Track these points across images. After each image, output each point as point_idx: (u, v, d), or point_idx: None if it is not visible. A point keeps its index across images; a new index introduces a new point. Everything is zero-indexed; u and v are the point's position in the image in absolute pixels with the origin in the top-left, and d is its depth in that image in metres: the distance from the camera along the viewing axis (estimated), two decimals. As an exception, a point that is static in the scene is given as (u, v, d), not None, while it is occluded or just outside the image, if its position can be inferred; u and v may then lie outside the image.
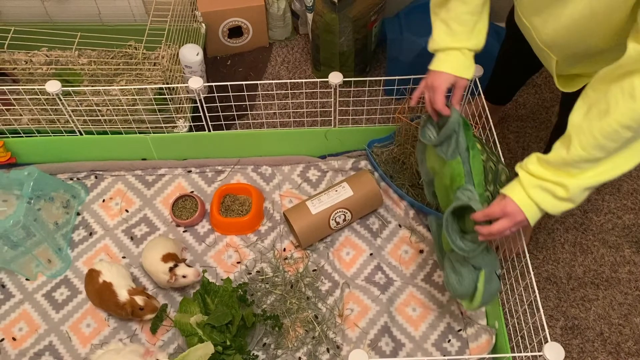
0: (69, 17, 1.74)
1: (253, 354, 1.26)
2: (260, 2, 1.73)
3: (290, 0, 1.81)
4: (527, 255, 1.11)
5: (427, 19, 1.40)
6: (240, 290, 1.29)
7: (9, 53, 1.76)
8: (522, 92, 1.79)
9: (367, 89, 1.42)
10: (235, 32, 1.80)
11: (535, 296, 1.06)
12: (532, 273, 1.08)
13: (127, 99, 1.52)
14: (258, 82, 1.38)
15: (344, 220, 1.41)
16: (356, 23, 1.60)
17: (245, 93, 1.35)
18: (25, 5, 1.70)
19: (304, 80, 1.36)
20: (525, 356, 1.05)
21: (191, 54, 1.46)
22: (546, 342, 1.00)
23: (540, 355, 1.00)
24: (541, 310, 1.04)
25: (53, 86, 1.32)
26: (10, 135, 1.49)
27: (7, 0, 1.70)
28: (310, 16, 1.67)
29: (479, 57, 1.45)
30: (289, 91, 1.42)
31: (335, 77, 1.35)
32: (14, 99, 1.50)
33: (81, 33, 1.49)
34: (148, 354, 1.16)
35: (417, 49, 1.62)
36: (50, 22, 1.75)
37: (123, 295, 1.24)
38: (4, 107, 1.42)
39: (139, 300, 1.24)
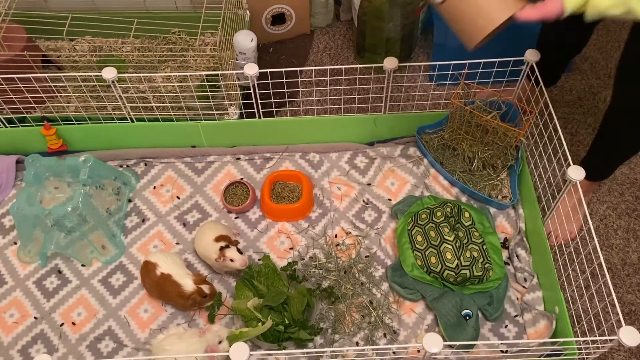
0: (114, 5, 1.74)
1: (317, 327, 1.25)
2: (304, -12, 1.72)
3: (334, -15, 1.80)
4: (595, 238, 1.10)
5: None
6: (289, 269, 1.30)
7: (54, 40, 1.77)
8: (568, 77, 1.77)
9: (421, 74, 1.41)
10: (278, 19, 1.80)
11: (606, 280, 1.05)
12: (601, 257, 1.07)
13: (180, 86, 1.52)
14: (311, 68, 1.37)
15: None
16: (405, 9, 1.59)
17: (299, 79, 1.34)
18: (70, -8, 1.70)
19: (358, 66, 1.35)
20: (596, 340, 1.04)
21: (245, 40, 1.46)
22: (620, 326, 0.99)
23: (612, 340, 0.99)
24: (613, 294, 1.03)
25: (109, 73, 1.33)
26: (62, 123, 1.50)
27: (53, -12, 1.70)
28: (357, 2, 1.65)
29: (528, 41, 1.44)
30: (339, 77, 1.41)
31: (391, 63, 1.34)
32: (64, 86, 1.50)
33: (125, 19, 1.49)
34: (203, 333, 1.17)
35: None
36: (95, 10, 1.74)
37: (189, 285, 1.24)
38: (55, 94, 1.43)
39: (205, 288, 1.24)
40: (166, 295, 1.29)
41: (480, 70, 1.37)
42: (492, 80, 1.42)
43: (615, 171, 1.48)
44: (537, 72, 1.34)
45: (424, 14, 1.70)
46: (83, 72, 1.37)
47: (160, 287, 1.27)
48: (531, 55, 1.34)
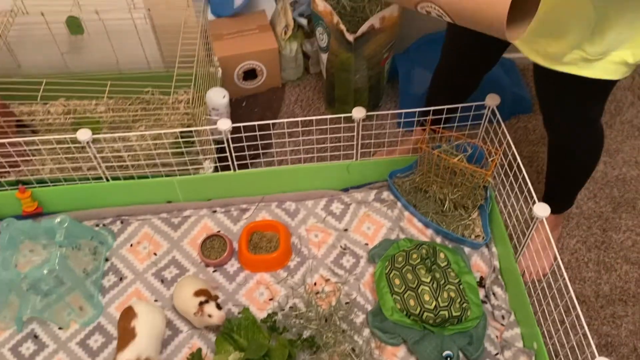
0: (87, 68, 1.78)
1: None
2: (274, 45, 1.79)
3: (302, 42, 1.88)
4: (565, 274, 1.13)
5: (434, 53, 1.47)
6: (269, 320, 1.30)
7: (27, 105, 1.79)
8: (530, 118, 1.85)
9: (388, 122, 1.47)
10: (250, 74, 1.86)
11: (577, 313, 1.08)
12: (572, 291, 1.10)
13: (155, 143, 1.55)
14: (283, 120, 1.42)
15: None
16: (370, 61, 1.66)
17: (272, 131, 1.38)
18: (45, 58, 1.74)
19: (328, 117, 1.40)
20: (573, 374, 1.06)
21: (218, 97, 1.50)
22: (594, 357, 1.01)
23: (589, 372, 1.01)
24: (585, 327, 1.05)
25: (84, 135, 1.35)
26: (37, 185, 1.50)
27: (28, 54, 1.74)
28: (324, 56, 1.72)
29: (490, 87, 1.51)
30: (311, 128, 1.46)
31: (359, 112, 1.40)
32: (38, 149, 1.52)
33: (99, 82, 1.52)
34: None
35: (427, 82, 1.68)
36: (69, 73, 1.78)
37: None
38: (29, 158, 1.44)
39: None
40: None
41: (444, 116, 1.43)
42: (456, 124, 1.48)
43: (575, 201, 1.54)
44: (498, 115, 1.40)
45: (389, 64, 1.78)
46: (58, 135, 1.39)
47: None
48: (491, 100, 1.41)
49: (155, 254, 1.50)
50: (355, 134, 1.45)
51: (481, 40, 1.17)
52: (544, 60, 1.05)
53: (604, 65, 1.00)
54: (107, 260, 1.49)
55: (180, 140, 1.43)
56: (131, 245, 1.52)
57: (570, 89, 1.09)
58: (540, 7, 0.96)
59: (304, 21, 1.88)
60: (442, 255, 1.37)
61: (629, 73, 1.04)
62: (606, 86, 1.06)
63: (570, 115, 1.20)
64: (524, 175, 1.28)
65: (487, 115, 1.45)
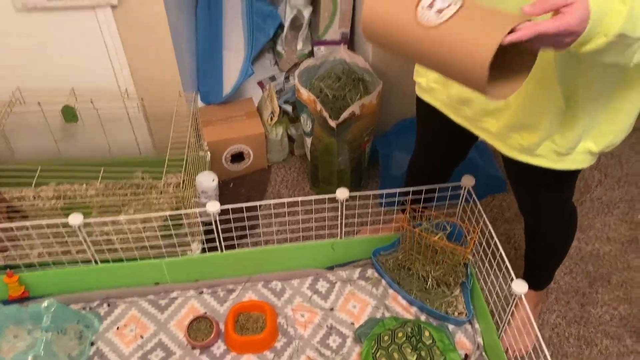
0: (79, 154, 1.84)
1: None
2: (260, 130, 1.88)
3: (287, 127, 1.98)
4: (546, 351, 1.16)
5: (411, 137, 1.56)
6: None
7: (18, 190, 1.83)
8: (505, 197, 1.94)
9: (370, 202, 1.54)
10: (237, 157, 1.94)
11: (560, 389, 1.10)
12: (553, 366, 1.13)
13: (144, 226, 1.59)
14: (269, 201, 1.48)
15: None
16: (352, 144, 1.76)
17: (259, 212, 1.44)
18: (38, 144, 1.80)
19: (313, 197, 1.46)
20: None
21: (207, 180, 1.56)
22: None
23: None
24: (569, 403, 1.07)
25: (75, 219, 1.39)
26: (24, 269, 1.51)
27: (22, 141, 1.80)
28: (308, 140, 1.82)
29: (465, 167, 1.60)
30: (297, 208, 1.52)
31: (342, 193, 1.46)
32: (28, 234, 1.54)
33: (91, 167, 1.59)
34: None
35: (406, 163, 1.77)
36: (61, 159, 1.84)
37: None
38: (18, 242, 1.47)
39: None
40: None
41: (423, 196, 1.51)
42: (435, 203, 1.55)
43: (554, 277, 1.59)
44: (473, 195, 1.48)
45: (369, 147, 1.88)
46: (48, 219, 1.43)
47: None
48: (467, 181, 1.49)
49: (141, 337, 1.50)
50: (339, 213, 1.51)
51: (450, 134, 1.26)
52: (518, 153, 1.12)
53: (573, 157, 1.08)
54: (92, 344, 1.48)
55: (169, 223, 1.47)
56: (117, 328, 1.51)
57: (540, 177, 1.16)
58: (514, 101, 1.05)
59: (289, 108, 2.00)
60: (427, 333, 1.39)
61: (594, 160, 1.12)
62: (575, 172, 1.14)
63: (542, 199, 1.27)
64: (501, 253, 1.34)
65: (463, 195, 1.53)
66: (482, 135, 1.18)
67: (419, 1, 0.79)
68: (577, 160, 1.09)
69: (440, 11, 0.78)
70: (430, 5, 0.79)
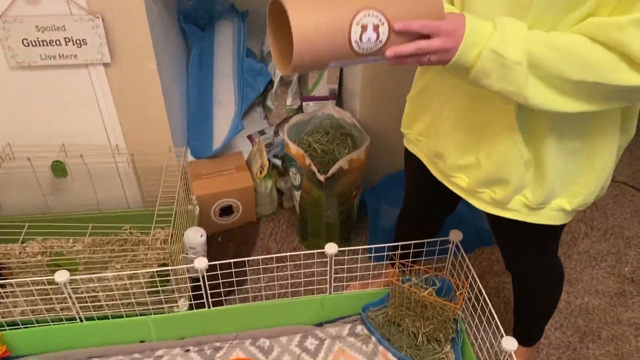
0: (67, 208, 1.84)
1: None
2: (249, 183, 1.89)
3: (276, 180, 2.00)
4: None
5: (400, 190, 1.58)
6: None
7: (4, 246, 1.81)
8: (494, 250, 1.95)
9: (359, 256, 1.54)
10: (226, 211, 1.94)
11: None
12: None
13: (130, 283, 1.57)
14: (258, 257, 1.47)
15: (376, 35, 0.83)
16: (340, 198, 1.77)
17: (247, 268, 1.43)
18: (26, 198, 1.80)
19: (301, 253, 1.46)
20: None
21: (195, 236, 1.56)
22: None
23: None
24: None
25: (62, 276, 1.37)
26: (6, 327, 1.48)
27: (10, 195, 1.80)
28: (297, 194, 1.83)
29: (454, 221, 1.61)
30: (285, 263, 1.52)
31: (331, 248, 1.46)
32: (12, 291, 1.52)
33: (79, 221, 1.58)
34: None
35: (395, 216, 1.78)
36: (49, 213, 1.83)
37: None
38: (1, 300, 1.44)
39: None
40: None
41: (412, 250, 1.51)
42: (424, 258, 1.56)
43: (544, 332, 1.58)
44: (461, 250, 1.49)
45: (358, 200, 1.89)
46: (34, 276, 1.41)
47: None
48: (454, 236, 1.50)
49: (124, 398, 1.45)
50: (328, 268, 1.51)
51: (436, 187, 1.28)
52: (491, 207, 1.14)
53: (545, 212, 1.10)
54: (73, 406, 1.43)
55: (156, 279, 1.46)
56: (100, 389, 1.47)
57: (522, 233, 1.18)
58: (482, 157, 1.08)
59: (278, 161, 2.02)
60: (417, 391, 1.37)
61: (569, 218, 1.14)
62: (555, 228, 1.16)
63: (527, 256, 1.28)
64: (490, 309, 1.34)
65: (451, 250, 1.54)
66: (455, 190, 1.20)
67: (349, 37, 0.82)
68: (550, 216, 1.10)
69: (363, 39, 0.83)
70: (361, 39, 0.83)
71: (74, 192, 1.81)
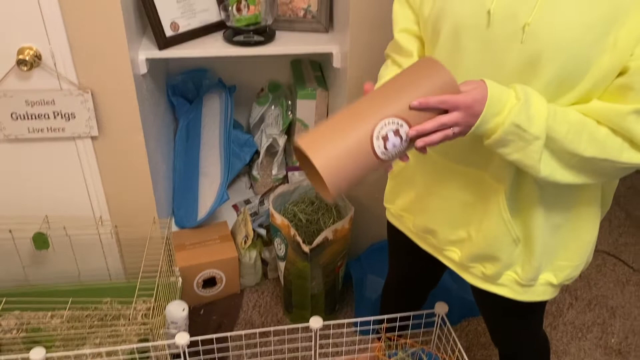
0: (48, 280, 1.80)
1: None
2: (233, 254, 1.88)
3: (261, 250, 1.99)
4: None
5: (385, 260, 1.58)
6: None
7: (-21, 319, 1.75)
8: (480, 320, 1.93)
9: (345, 330, 1.52)
10: (209, 282, 1.91)
11: None
12: None
13: (108, 357, 1.52)
14: (240, 332, 1.44)
15: (399, 138, 0.86)
16: (325, 268, 1.77)
17: (229, 343, 1.39)
18: (5, 270, 1.76)
19: (286, 327, 1.43)
20: None
21: (177, 310, 1.53)
22: None
23: None
24: None
25: (37, 354, 1.32)
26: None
27: (-12, 268, 1.76)
28: (282, 264, 1.82)
29: (439, 293, 1.61)
30: (269, 338, 1.48)
31: (316, 322, 1.44)
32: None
33: (59, 294, 1.54)
34: None
35: (380, 286, 1.77)
36: (28, 286, 1.79)
37: None
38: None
39: None
40: None
41: (398, 324, 1.49)
42: (410, 331, 1.54)
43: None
44: (447, 323, 1.48)
45: (343, 270, 1.88)
46: (9, 353, 1.36)
47: None
48: (440, 308, 1.49)
49: None
50: (312, 343, 1.48)
51: (421, 260, 1.29)
52: (482, 282, 1.14)
53: (535, 288, 1.11)
54: None
55: (136, 355, 1.41)
56: None
57: (508, 307, 1.18)
58: (474, 232, 1.09)
59: (262, 231, 2.02)
60: None
61: (557, 293, 1.15)
62: (540, 302, 1.16)
63: (513, 330, 1.27)
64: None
65: (437, 323, 1.52)
66: (447, 264, 1.21)
67: (375, 153, 0.85)
68: (538, 292, 1.11)
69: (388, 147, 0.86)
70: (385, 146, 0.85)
71: (54, 263, 1.79)
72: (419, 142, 0.86)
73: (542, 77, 0.88)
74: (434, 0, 0.99)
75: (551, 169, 0.90)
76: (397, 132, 0.85)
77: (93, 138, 1.60)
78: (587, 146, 0.88)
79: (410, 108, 0.85)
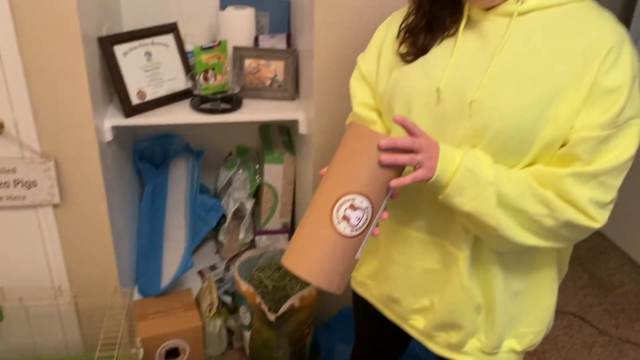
0: (0, 354, 1.71)
1: None
2: (197, 323, 1.83)
3: (226, 318, 1.94)
4: None
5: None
6: None
7: None
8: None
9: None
10: (172, 353, 1.84)
11: None
12: None
13: None
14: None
15: (360, 210, 0.89)
16: (292, 337, 1.73)
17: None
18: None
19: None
20: None
21: (136, 386, 1.46)
22: None
23: None
24: None
25: None
26: None
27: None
28: (247, 334, 1.78)
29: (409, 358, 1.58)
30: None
31: (281, 396, 1.40)
32: None
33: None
34: None
35: (349, 354, 1.74)
36: (-22, 360, 1.70)
37: None
38: None
39: None
40: None
41: (365, 395, 1.45)
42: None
43: None
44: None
45: (310, 339, 1.85)
46: None
47: None
48: (407, 377, 1.46)
49: None
50: (278, 418, 1.42)
51: (387, 328, 1.28)
52: (447, 351, 1.13)
53: (499, 356, 1.11)
54: None
55: None
56: None
57: None
58: (437, 301, 1.09)
59: (228, 299, 1.98)
60: None
61: (521, 359, 1.15)
62: None
63: None
64: None
65: (406, 392, 1.49)
66: (412, 333, 1.20)
67: (345, 235, 0.90)
68: (502, 358, 1.11)
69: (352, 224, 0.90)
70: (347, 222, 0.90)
71: (8, 337, 1.71)
72: (393, 183, 0.88)
73: (490, 150, 0.92)
74: (388, 77, 1.04)
75: (505, 225, 0.92)
76: (353, 207, 0.88)
77: (55, 206, 1.58)
78: (532, 204, 0.91)
79: (381, 148, 0.87)
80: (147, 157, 2.13)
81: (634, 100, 0.90)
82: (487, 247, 1.02)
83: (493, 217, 0.91)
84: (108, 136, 1.63)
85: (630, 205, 2.37)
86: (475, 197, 0.90)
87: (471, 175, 0.89)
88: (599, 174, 0.89)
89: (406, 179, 0.88)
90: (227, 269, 2.08)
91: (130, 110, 1.65)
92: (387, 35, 1.09)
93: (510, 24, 0.92)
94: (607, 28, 0.90)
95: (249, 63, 1.84)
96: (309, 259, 0.89)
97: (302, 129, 1.78)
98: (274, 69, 1.84)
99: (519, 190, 0.90)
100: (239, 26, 1.85)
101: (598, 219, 0.91)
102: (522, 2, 0.91)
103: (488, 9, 0.95)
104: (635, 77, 0.89)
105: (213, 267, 2.10)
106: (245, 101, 1.82)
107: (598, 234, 2.61)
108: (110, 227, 1.64)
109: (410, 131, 0.91)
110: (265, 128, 2.21)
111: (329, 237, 0.89)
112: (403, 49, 1.04)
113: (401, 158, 0.88)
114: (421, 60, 1.00)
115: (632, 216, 2.42)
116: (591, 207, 0.90)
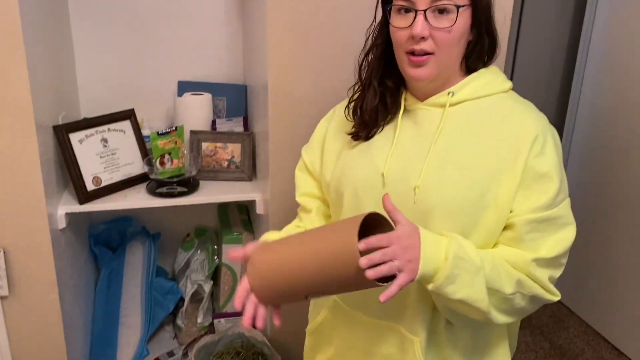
0: None
1: None
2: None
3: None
4: None
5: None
6: None
7: None
8: None
9: None
10: None
11: None
12: None
13: None
14: None
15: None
16: None
17: None
18: None
19: None
20: None
21: None
22: None
23: None
24: None
25: None
26: None
27: None
28: None
29: None
30: None
31: None
32: None
33: None
34: None
35: None
36: None
37: None
38: None
39: None
40: None
41: None
42: None
43: None
44: None
45: None
46: None
47: None
48: None
49: None
50: None
51: None
52: None
53: None
54: None
55: None
56: None
57: None
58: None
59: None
60: None
61: None
62: None
63: None
64: None
65: None
66: None
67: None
68: None
69: None
70: None
71: None
72: (382, 298, 0.84)
73: (435, 232, 0.94)
74: (334, 166, 1.08)
75: (491, 309, 0.94)
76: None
77: (2, 298, 1.52)
78: (508, 284, 0.93)
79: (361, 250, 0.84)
80: (103, 241, 2.09)
81: (564, 182, 0.97)
82: (443, 330, 1.03)
83: (484, 301, 0.92)
84: (62, 223, 1.61)
85: (586, 275, 2.44)
86: (469, 284, 0.89)
87: (461, 263, 0.88)
88: (556, 258, 0.96)
89: (392, 290, 0.84)
90: (184, 355, 2.01)
91: (85, 196, 1.64)
92: (329, 128, 1.15)
93: (444, 114, 0.99)
94: (532, 117, 0.98)
95: (206, 146, 1.88)
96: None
97: (259, 210, 1.80)
98: (231, 151, 1.88)
99: (497, 271, 0.93)
100: (196, 111, 1.90)
101: (556, 293, 0.98)
102: (453, 94, 0.98)
103: (422, 100, 1.02)
104: (560, 160, 0.97)
105: (171, 354, 2.03)
106: (202, 182, 1.84)
107: (559, 303, 2.65)
108: (62, 318, 1.58)
109: (394, 221, 0.89)
110: (223, 207, 2.22)
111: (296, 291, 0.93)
112: (352, 129, 1.08)
113: (381, 269, 0.83)
114: (365, 147, 1.06)
115: (587, 285, 2.49)
116: (550, 284, 0.97)
